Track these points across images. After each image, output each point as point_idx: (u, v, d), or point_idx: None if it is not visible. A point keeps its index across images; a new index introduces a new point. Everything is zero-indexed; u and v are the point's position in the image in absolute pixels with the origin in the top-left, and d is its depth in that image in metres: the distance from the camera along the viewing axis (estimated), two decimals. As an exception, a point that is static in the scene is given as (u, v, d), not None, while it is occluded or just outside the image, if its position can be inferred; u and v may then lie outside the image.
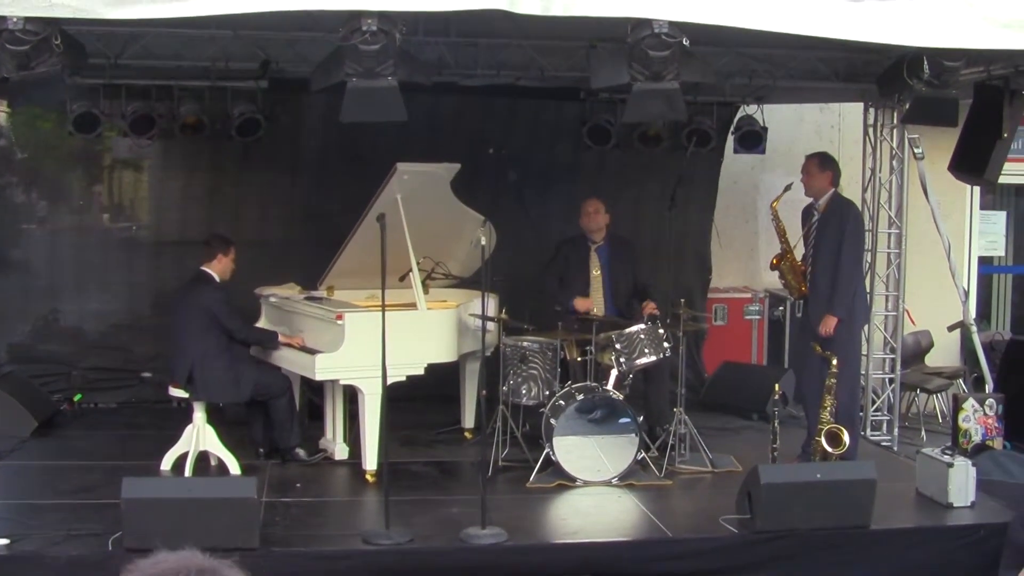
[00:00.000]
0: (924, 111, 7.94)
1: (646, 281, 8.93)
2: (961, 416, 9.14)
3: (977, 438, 9.04)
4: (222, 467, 7.73)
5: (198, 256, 8.15)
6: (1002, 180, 9.41)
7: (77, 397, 10.08)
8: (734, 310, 11.47)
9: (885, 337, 10.19)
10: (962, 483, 7.21)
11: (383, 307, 6.71)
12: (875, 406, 10.11)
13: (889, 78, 8.07)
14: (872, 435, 9.91)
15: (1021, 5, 6.43)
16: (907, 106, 8.29)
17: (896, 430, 10.09)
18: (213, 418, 7.90)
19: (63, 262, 10.40)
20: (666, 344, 8.17)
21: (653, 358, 8.13)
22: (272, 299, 8.66)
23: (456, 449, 8.80)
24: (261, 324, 8.62)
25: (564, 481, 7.66)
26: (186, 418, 7.84)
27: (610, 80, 6.95)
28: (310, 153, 10.44)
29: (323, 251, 8.82)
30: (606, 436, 7.76)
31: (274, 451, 8.20)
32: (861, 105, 10.22)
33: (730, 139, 10.62)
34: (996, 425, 9.10)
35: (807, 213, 8.37)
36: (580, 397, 7.76)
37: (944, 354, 11.91)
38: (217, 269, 7.98)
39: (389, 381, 6.79)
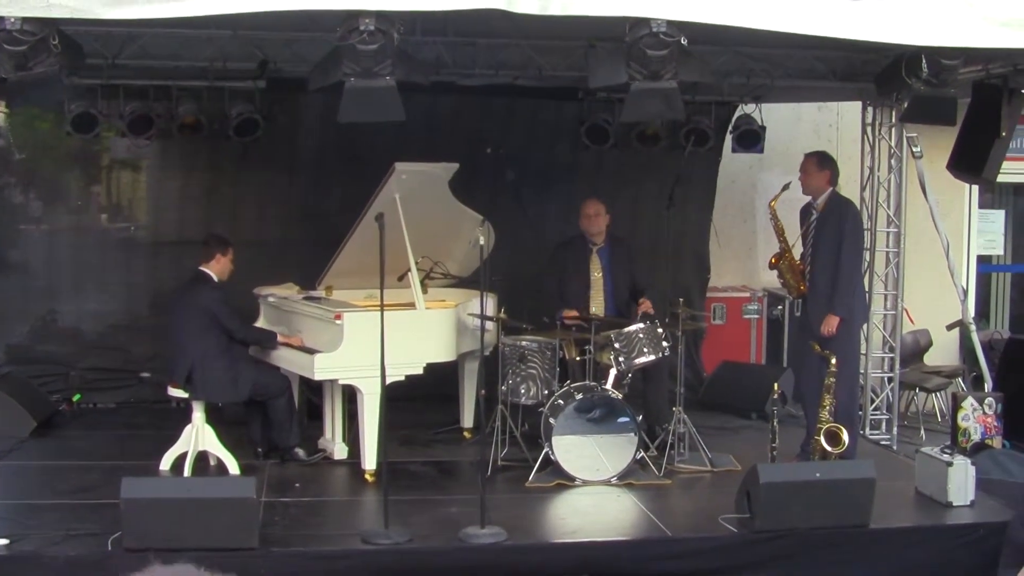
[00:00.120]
0: (922, 110, 7.93)
1: (643, 280, 8.93)
2: (960, 415, 9.14)
3: (976, 437, 9.04)
4: (221, 467, 7.73)
5: (196, 256, 8.15)
6: (1000, 179, 9.41)
7: (76, 397, 10.07)
8: (733, 309, 11.47)
9: (884, 336, 10.19)
10: (961, 482, 7.22)
11: (382, 307, 6.71)
12: (874, 405, 10.11)
13: (887, 77, 8.07)
14: (871, 434, 9.91)
15: (1019, 4, 6.43)
16: (905, 105, 8.28)
17: (895, 429, 10.08)
18: (212, 418, 7.89)
19: (61, 262, 10.40)
20: (665, 343, 8.17)
21: (652, 357, 8.14)
22: (271, 299, 8.66)
23: (455, 449, 8.80)
24: (260, 324, 8.62)
25: (563, 480, 7.66)
26: (185, 418, 7.84)
27: (608, 79, 6.95)
28: (308, 153, 10.43)
29: (321, 251, 8.81)
30: (605, 435, 7.76)
31: (273, 451, 8.20)
32: (859, 104, 10.22)
33: (728, 138, 10.62)
34: (995, 424, 9.10)
35: (805, 212, 8.36)
36: (579, 396, 7.76)
37: (943, 353, 11.91)
38: (216, 269, 7.98)
39: (388, 381, 6.78)
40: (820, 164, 8.25)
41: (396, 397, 7.13)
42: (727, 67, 8.91)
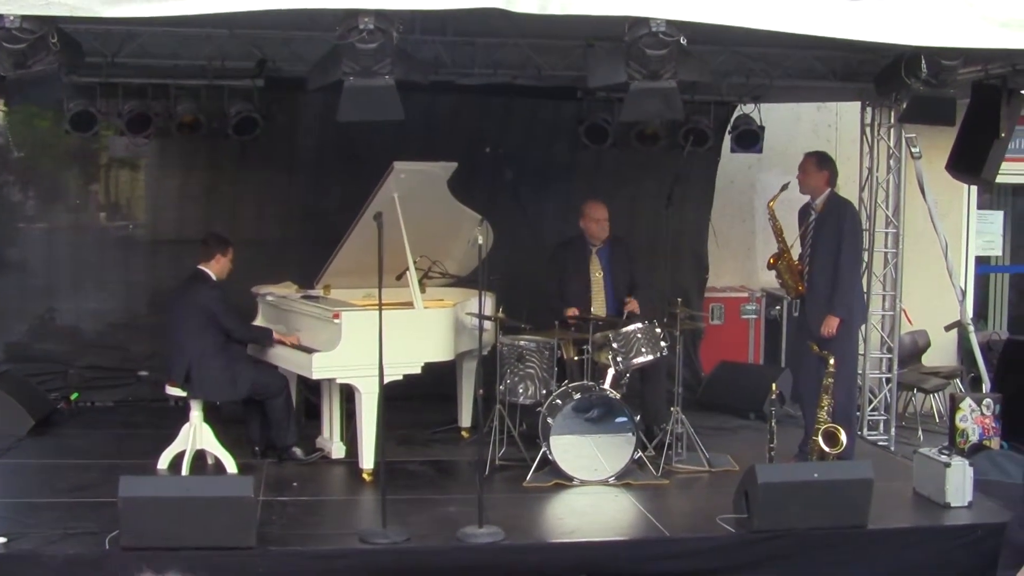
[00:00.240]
0: (921, 110, 7.94)
1: (641, 279, 8.92)
2: (958, 416, 9.14)
3: (974, 438, 9.03)
4: (219, 466, 7.73)
5: (195, 255, 8.14)
6: (999, 179, 9.39)
7: (74, 396, 10.07)
8: (731, 309, 11.47)
9: (882, 337, 10.19)
10: (959, 483, 7.22)
11: (380, 306, 6.70)
12: (872, 406, 10.11)
13: (887, 77, 8.07)
14: (869, 435, 9.90)
15: (1019, 4, 6.42)
16: (904, 105, 8.28)
17: (893, 430, 10.08)
18: (210, 417, 7.89)
19: (60, 261, 10.39)
20: (663, 343, 8.17)
21: (650, 357, 8.14)
22: (269, 298, 8.66)
23: (453, 448, 8.80)
24: (258, 323, 8.62)
25: (561, 480, 7.66)
26: (183, 417, 7.84)
27: (607, 79, 6.95)
28: (307, 152, 10.43)
29: (320, 250, 8.81)
30: (603, 435, 7.76)
31: (271, 450, 8.20)
32: (858, 104, 10.22)
33: (727, 138, 10.62)
34: (993, 425, 9.10)
35: (804, 213, 8.36)
36: (577, 396, 7.76)
37: (941, 354, 11.92)
38: (215, 268, 7.97)
39: (386, 380, 6.78)
40: (819, 164, 8.24)
41: (394, 396, 7.12)
42: (726, 67, 8.92)
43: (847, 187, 9.34)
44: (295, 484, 7.66)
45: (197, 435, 7.72)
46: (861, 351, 9.50)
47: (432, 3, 6.04)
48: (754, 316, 11.49)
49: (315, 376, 7.79)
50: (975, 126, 8.81)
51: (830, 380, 7.87)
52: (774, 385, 8.45)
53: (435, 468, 8.31)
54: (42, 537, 6.24)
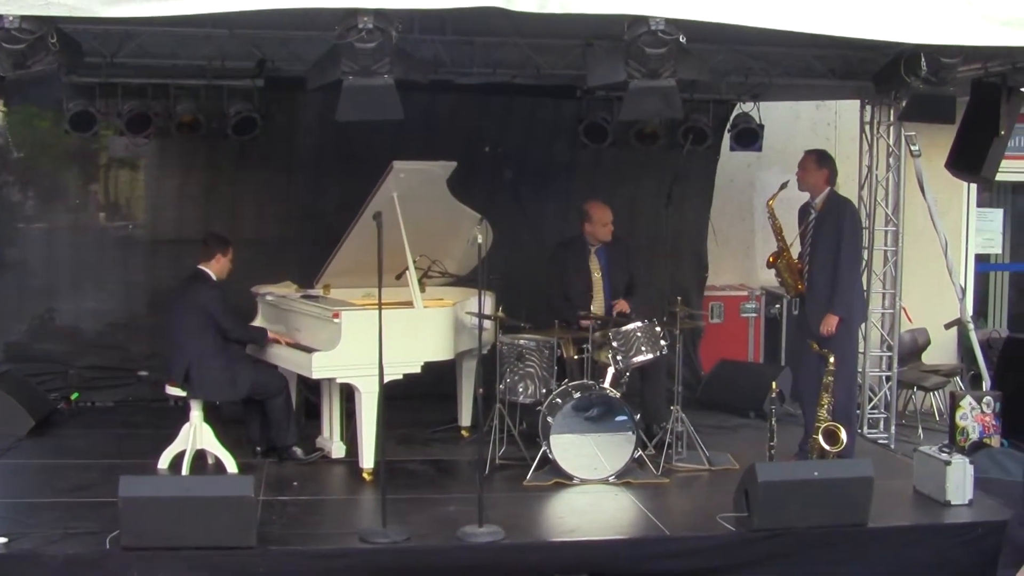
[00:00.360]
0: (921, 108, 7.94)
1: (639, 279, 8.92)
2: (958, 414, 9.13)
3: (974, 436, 9.03)
4: (219, 466, 7.73)
5: (194, 255, 8.14)
6: (999, 177, 9.42)
7: (74, 396, 10.07)
8: (730, 308, 11.47)
9: (882, 335, 10.19)
10: (960, 481, 7.21)
11: (380, 305, 6.70)
12: (872, 404, 10.11)
13: (886, 75, 8.07)
14: (869, 433, 9.91)
15: (1018, 2, 6.42)
16: (904, 103, 8.29)
17: (893, 428, 10.08)
18: (210, 416, 7.89)
19: (59, 261, 10.39)
20: (663, 342, 8.17)
21: (650, 356, 8.14)
22: (269, 298, 8.65)
23: (453, 447, 8.80)
24: (257, 322, 8.61)
25: (561, 479, 7.66)
26: (183, 417, 7.84)
27: (606, 78, 6.95)
28: (306, 151, 10.43)
29: (319, 249, 8.80)
30: (603, 434, 7.76)
31: (271, 450, 8.19)
32: (858, 102, 10.22)
33: (726, 137, 10.63)
34: (993, 423, 9.10)
35: (804, 211, 8.36)
36: (577, 395, 7.76)
37: (941, 352, 11.92)
38: (214, 268, 7.97)
39: (386, 379, 6.77)
40: (819, 162, 8.24)
41: (394, 396, 7.12)
42: (725, 65, 8.93)
43: (846, 185, 9.34)
44: (295, 484, 7.66)
45: (197, 435, 7.72)
46: (861, 349, 9.50)
47: (431, 2, 6.04)
48: (754, 315, 11.49)
49: (315, 376, 7.79)
50: (975, 124, 8.81)
51: (830, 378, 7.86)
52: (774, 383, 8.45)
53: (435, 467, 8.30)
54: (43, 537, 6.23)
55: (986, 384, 9.90)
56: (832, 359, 7.85)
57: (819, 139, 11.21)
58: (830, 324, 7.99)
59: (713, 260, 11.39)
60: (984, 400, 9.16)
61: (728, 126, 10.52)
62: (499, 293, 8.51)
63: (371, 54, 6.42)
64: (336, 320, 7.63)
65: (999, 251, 13.12)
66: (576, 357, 8.33)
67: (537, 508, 7.28)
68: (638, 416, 7.91)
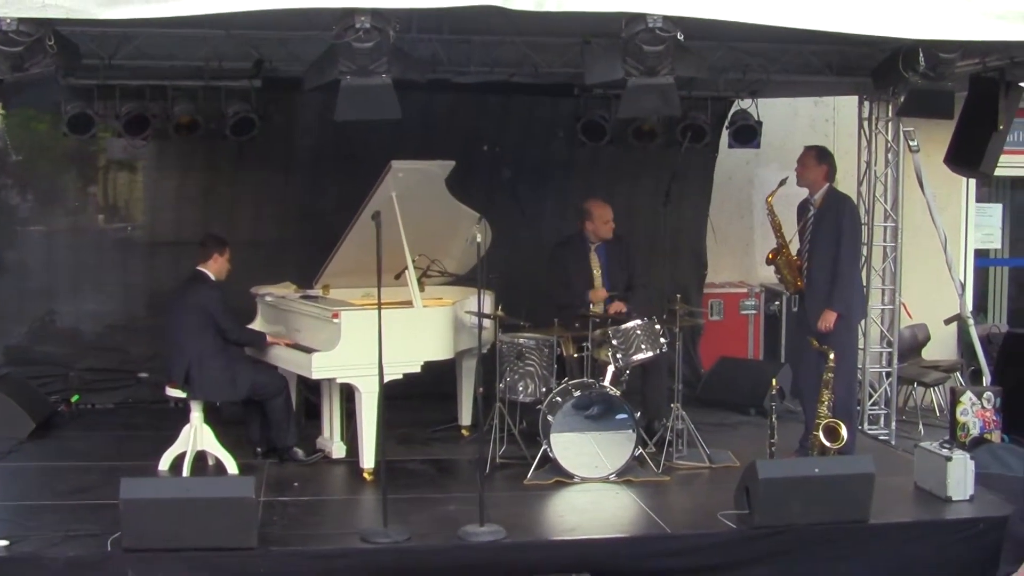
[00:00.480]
0: (919, 104, 7.94)
1: (638, 278, 8.91)
2: (959, 409, 9.13)
3: (975, 431, 9.02)
4: (220, 467, 7.73)
5: (193, 256, 8.14)
6: (998, 172, 9.38)
7: (74, 398, 10.07)
8: (730, 305, 11.48)
9: (882, 331, 10.19)
10: (960, 477, 7.21)
11: (379, 305, 6.69)
12: (872, 400, 10.12)
13: (884, 71, 8.07)
14: (870, 429, 9.91)
15: (1015, -3, 6.43)
16: (902, 99, 8.29)
17: (894, 424, 10.09)
18: (210, 418, 7.89)
19: (59, 263, 10.39)
20: (662, 340, 8.17)
21: (650, 354, 8.14)
22: (268, 298, 8.65)
23: (453, 447, 8.80)
24: (257, 323, 8.60)
25: (561, 478, 7.66)
26: (183, 418, 7.84)
27: (604, 76, 6.94)
28: (304, 152, 10.43)
29: (318, 250, 8.80)
30: (603, 432, 7.75)
31: (271, 450, 8.19)
32: (856, 98, 10.23)
33: (724, 134, 10.64)
34: (994, 418, 9.09)
35: (803, 208, 8.35)
36: (577, 393, 7.76)
37: (941, 347, 11.92)
38: (213, 269, 7.97)
39: (386, 379, 6.77)
40: (819, 158, 8.23)
41: (394, 395, 7.12)
42: (723, 62, 8.92)
43: (845, 181, 9.34)
44: (296, 484, 7.65)
45: (198, 436, 7.72)
46: (861, 346, 9.50)
47: (428, 1, 6.03)
48: (753, 312, 11.49)
49: (315, 376, 7.79)
50: (973, 119, 8.80)
51: (830, 375, 7.86)
52: (774, 380, 8.42)
53: (435, 467, 8.30)
54: (43, 539, 6.23)
55: (986, 379, 9.89)
56: (832, 355, 7.84)
57: (817, 135, 11.21)
58: (829, 320, 7.98)
59: (712, 257, 11.39)
60: (984, 395, 9.16)
61: (726, 123, 10.52)
62: (498, 292, 8.51)
63: (369, 54, 6.41)
64: (336, 320, 7.63)
65: (998, 246, 13.12)
66: (576, 355, 8.33)
67: (538, 507, 7.27)
68: (638, 414, 7.91)
